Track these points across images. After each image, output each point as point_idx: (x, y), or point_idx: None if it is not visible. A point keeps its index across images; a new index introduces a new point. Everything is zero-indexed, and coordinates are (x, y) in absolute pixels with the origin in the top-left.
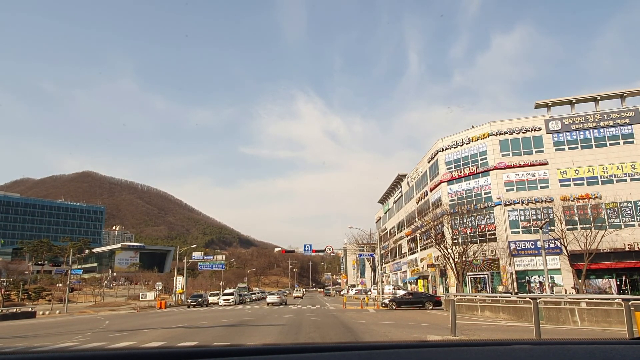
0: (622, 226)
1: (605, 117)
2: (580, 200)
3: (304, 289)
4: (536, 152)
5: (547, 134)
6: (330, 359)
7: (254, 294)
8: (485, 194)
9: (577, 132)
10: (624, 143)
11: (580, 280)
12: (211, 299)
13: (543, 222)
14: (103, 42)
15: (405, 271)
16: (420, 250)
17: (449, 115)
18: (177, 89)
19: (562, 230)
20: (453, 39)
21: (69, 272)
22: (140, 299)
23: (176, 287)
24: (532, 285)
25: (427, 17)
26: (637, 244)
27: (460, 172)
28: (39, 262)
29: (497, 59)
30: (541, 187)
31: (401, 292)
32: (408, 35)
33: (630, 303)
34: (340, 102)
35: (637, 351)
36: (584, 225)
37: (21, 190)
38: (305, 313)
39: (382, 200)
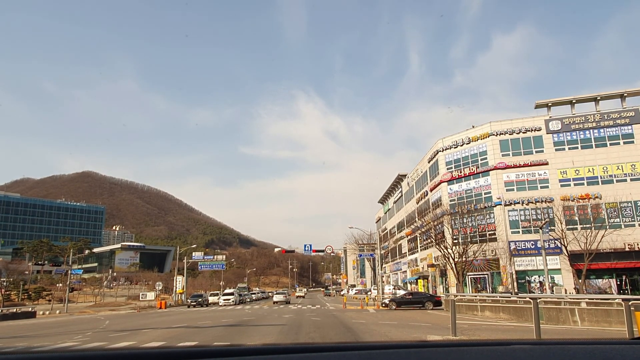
0: (622, 226)
1: (606, 117)
2: (580, 200)
3: (305, 289)
4: (536, 152)
5: (547, 134)
6: (330, 359)
7: (254, 294)
8: (485, 194)
9: (577, 132)
10: (624, 143)
11: (580, 280)
12: (211, 299)
13: (543, 222)
14: (103, 42)
15: (406, 271)
16: (421, 250)
17: (449, 115)
18: (177, 89)
19: (562, 230)
20: (454, 39)
21: (69, 272)
22: (140, 299)
23: (176, 287)
24: (532, 285)
25: (428, 17)
26: (637, 244)
27: (461, 172)
28: (39, 262)
29: (497, 59)
30: (541, 187)
31: (401, 292)
32: (409, 35)
33: (630, 303)
34: (341, 102)
35: (637, 351)
36: (584, 225)
37: (21, 190)
38: (305, 313)
39: (382, 200)
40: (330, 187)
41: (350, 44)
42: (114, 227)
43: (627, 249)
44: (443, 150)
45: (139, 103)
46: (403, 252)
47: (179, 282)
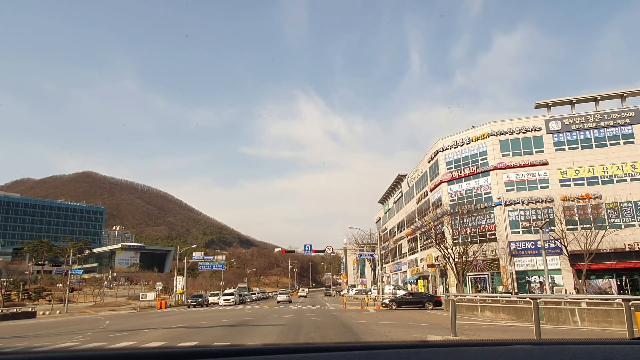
0: (623, 226)
1: (606, 117)
2: (580, 200)
3: (308, 289)
4: (536, 152)
5: (547, 134)
6: (330, 359)
7: (254, 294)
8: (485, 194)
9: (578, 132)
10: (624, 143)
11: (580, 281)
12: (211, 299)
13: (543, 222)
14: (104, 42)
15: (406, 271)
16: (421, 250)
17: (449, 116)
18: (178, 89)
19: (562, 230)
20: (454, 39)
21: (69, 272)
22: (141, 299)
23: (176, 287)
24: (533, 285)
25: (429, 17)
26: (638, 244)
27: (461, 172)
28: (39, 262)
29: (498, 59)
30: (541, 187)
31: (401, 292)
32: (410, 36)
33: (630, 303)
34: (342, 102)
35: (637, 351)
36: (584, 226)
37: (21, 190)
38: (305, 313)
39: (383, 201)
40: (330, 187)
41: (350, 44)
42: (114, 227)
43: (627, 249)
44: (443, 150)
45: (139, 103)
46: (403, 252)
47: (179, 282)
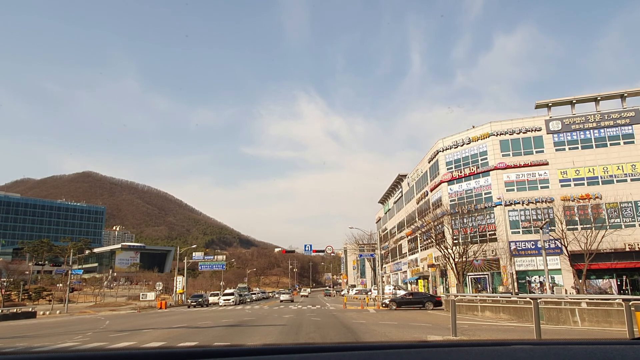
0: (623, 226)
1: (606, 117)
2: (580, 201)
3: (310, 289)
4: (536, 152)
5: (547, 134)
6: (330, 359)
7: (255, 294)
8: (485, 194)
9: (578, 132)
10: (625, 143)
11: (580, 281)
12: (211, 299)
13: (543, 222)
14: (105, 43)
15: (406, 271)
16: (421, 250)
17: (450, 116)
18: (179, 89)
19: (562, 230)
20: (455, 39)
21: (70, 272)
22: (141, 299)
23: (176, 287)
24: (533, 285)
25: (430, 17)
26: (638, 244)
27: (461, 172)
28: (40, 262)
29: (499, 60)
30: (541, 187)
31: (401, 292)
32: (411, 36)
33: (630, 303)
34: (342, 103)
35: (637, 351)
36: (585, 226)
37: (22, 190)
38: (305, 313)
39: (383, 201)
40: (331, 187)
41: (351, 44)
42: (114, 227)
43: (627, 249)
44: (443, 150)
45: (139, 103)
46: (403, 252)
47: (179, 282)
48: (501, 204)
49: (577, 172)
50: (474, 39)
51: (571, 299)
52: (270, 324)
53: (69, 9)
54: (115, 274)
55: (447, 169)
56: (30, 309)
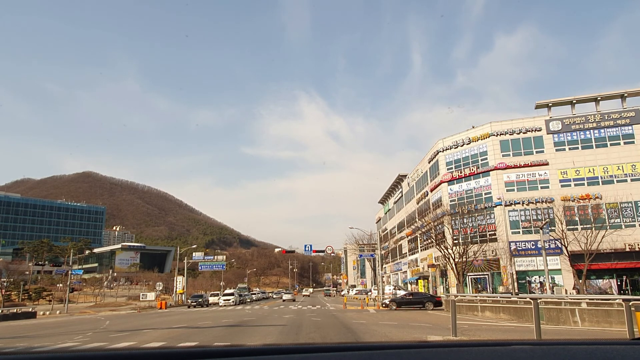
0: (623, 226)
1: (606, 118)
2: (580, 201)
3: (312, 289)
4: (537, 152)
5: (547, 134)
6: (330, 359)
7: (255, 294)
8: (485, 194)
9: (578, 132)
10: (625, 143)
11: (580, 281)
12: (211, 299)
13: (543, 222)
14: (105, 43)
15: (406, 271)
16: (421, 250)
17: (451, 116)
18: (179, 89)
19: (562, 230)
20: (456, 39)
21: (70, 272)
22: (141, 299)
23: (176, 288)
24: (533, 285)
25: (431, 17)
26: (638, 245)
27: (461, 173)
28: (40, 263)
29: (500, 60)
30: (542, 188)
31: (401, 293)
32: (411, 36)
33: (630, 303)
34: (343, 103)
35: (637, 351)
36: (585, 226)
37: (22, 190)
38: (305, 313)
39: (383, 201)
40: (331, 187)
41: (352, 45)
42: (114, 228)
43: (627, 250)
44: (443, 150)
45: (140, 103)
46: (403, 252)
47: (179, 282)
48: (501, 204)
49: (577, 172)
50: (474, 39)
51: (571, 299)
52: (270, 324)
53: (69, 9)
54: (115, 274)
55: (447, 169)
56: (30, 309)
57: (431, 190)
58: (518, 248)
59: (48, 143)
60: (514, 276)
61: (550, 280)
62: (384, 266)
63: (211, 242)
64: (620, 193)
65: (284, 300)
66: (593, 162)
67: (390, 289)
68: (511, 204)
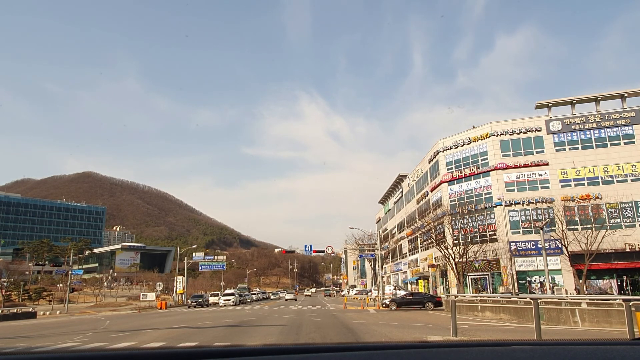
0: (623, 226)
1: (606, 118)
2: (580, 201)
3: (314, 289)
4: (537, 152)
5: (547, 134)
6: (330, 359)
7: (255, 294)
8: (485, 194)
9: (578, 132)
10: (625, 143)
11: (581, 281)
12: (211, 300)
13: (544, 222)
14: (105, 43)
15: (406, 271)
16: (421, 250)
17: (451, 116)
18: (180, 89)
19: (562, 230)
20: (457, 39)
21: (70, 272)
22: (141, 299)
23: (177, 288)
24: (533, 285)
25: (431, 18)
26: (638, 245)
27: (461, 173)
28: (40, 263)
29: (500, 60)
30: (542, 188)
31: (402, 293)
32: (412, 36)
33: (631, 304)
34: (344, 103)
35: (637, 352)
36: (585, 226)
37: (22, 190)
38: (305, 313)
39: (383, 201)
40: (331, 187)
41: (353, 45)
42: (114, 228)
43: (627, 250)
44: (443, 150)
45: (140, 103)
46: (403, 252)
47: (180, 282)
48: (501, 204)
49: (578, 172)
50: (475, 39)
51: (571, 299)
52: (270, 324)
53: (69, 9)
54: (115, 274)
55: (448, 169)
56: (30, 309)
57: (431, 191)
58: (518, 248)
59: (48, 143)
60: (514, 276)
61: (550, 281)
62: (384, 266)
63: (211, 242)
64: (621, 193)
65: (286, 300)
66: (593, 162)
67: (390, 289)
68: (511, 204)
